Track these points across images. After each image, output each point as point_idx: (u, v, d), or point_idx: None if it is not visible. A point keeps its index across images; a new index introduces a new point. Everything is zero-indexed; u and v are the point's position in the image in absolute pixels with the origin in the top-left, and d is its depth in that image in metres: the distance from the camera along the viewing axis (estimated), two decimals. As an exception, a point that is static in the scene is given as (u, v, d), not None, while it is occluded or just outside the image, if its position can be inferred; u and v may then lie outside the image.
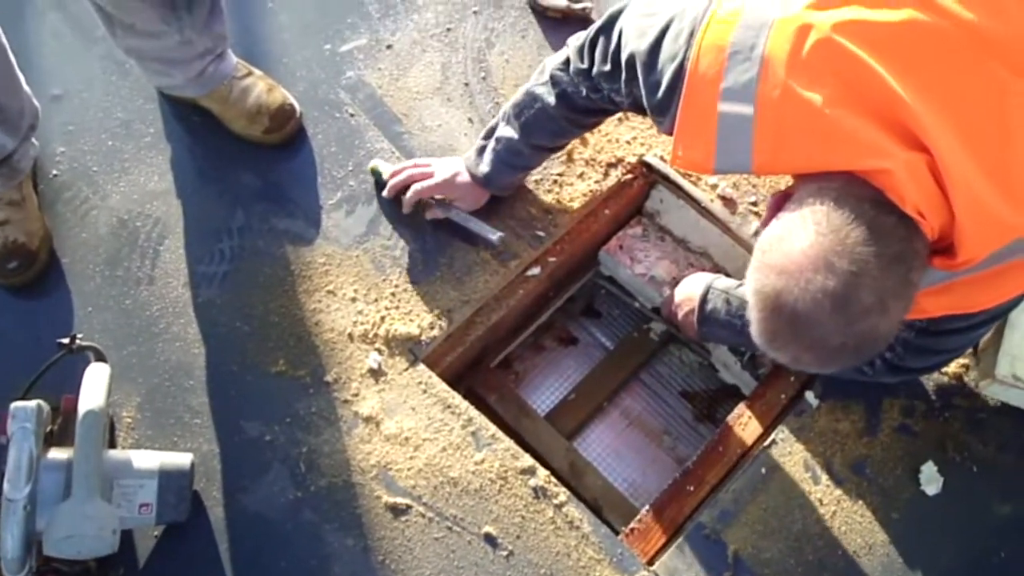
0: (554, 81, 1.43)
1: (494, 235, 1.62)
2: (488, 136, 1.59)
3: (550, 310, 1.81)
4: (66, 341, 1.40)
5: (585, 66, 1.35)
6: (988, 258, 1.01)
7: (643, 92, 1.19)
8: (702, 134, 1.05)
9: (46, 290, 1.61)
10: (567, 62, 1.40)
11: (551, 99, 1.44)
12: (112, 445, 1.49)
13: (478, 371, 1.74)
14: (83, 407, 1.30)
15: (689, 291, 1.59)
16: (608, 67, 1.28)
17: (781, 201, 1.04)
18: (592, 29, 1.34)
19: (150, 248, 1.65)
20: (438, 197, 1.64)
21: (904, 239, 0.95)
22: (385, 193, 1.68)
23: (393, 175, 1.67)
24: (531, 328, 1.81)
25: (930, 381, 1.61)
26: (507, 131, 1.54)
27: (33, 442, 1.28)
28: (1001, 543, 1.50)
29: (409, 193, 1.64)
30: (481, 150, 1.60)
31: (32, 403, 1.30)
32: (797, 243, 0.95)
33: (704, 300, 1.53)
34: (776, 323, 0.98)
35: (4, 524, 1.26)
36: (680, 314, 1.61)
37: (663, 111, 1.16)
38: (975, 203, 0.95)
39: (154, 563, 1.43)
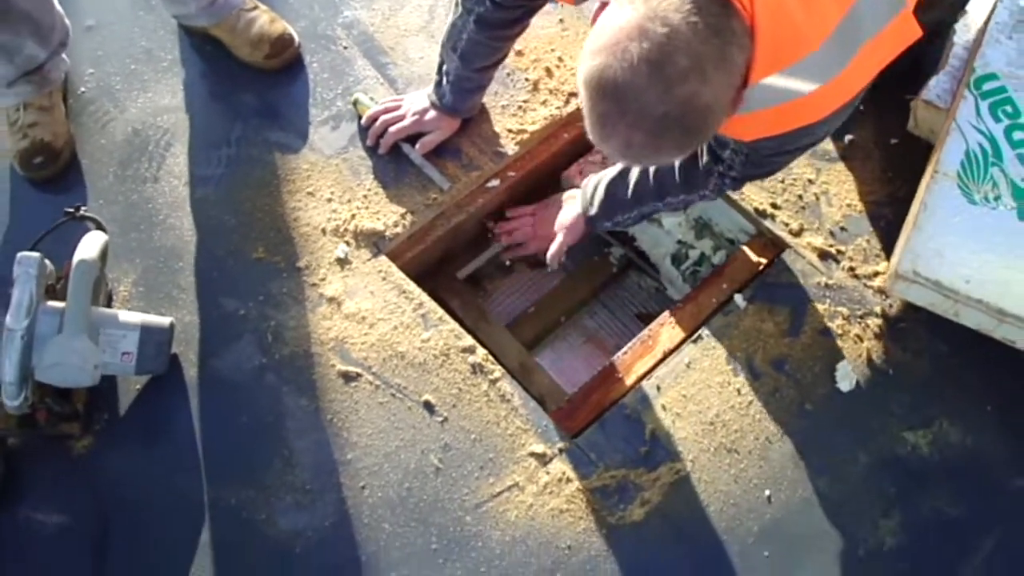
0: (466, 9, 1.53)
1: (445, 184, 1.81)
2: (440, 71, 1.75)
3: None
4: (72, 209, 1.62)
5: None
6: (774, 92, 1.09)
7: None
8: None
9: (66, 185, 1.84)
10: None
11: (471, 26, 1.56)
12: (107, 309, 1.69)
13: (443, 277, 1.90)
14: (77, 258, 1.50)
15: (568, 217, 1.75)
16: None
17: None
18: None
19: (158, 153, 1.87)
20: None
21: (718, 15, 0.99)
22: (368, 142, 1.85)
23: (370, 121, 1.85)
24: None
25: (855, 291, 1.71)
26: (450, 64, 1.69)
27: (34, 285, 1.48)
28: (907, 438, 1.59)
29: (387, 136, 1.82)
30: (438, 84, 1.77)
31: (36, 254, 1.51)
32: (615, 21, 0.99)
33: (587, 212, 1.69)
34: (602, 104, 1.01)
35: (4, 351, 1.45)
36: (570, 238, 1.77)
37: None
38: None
39: (134, 411, 1.62)
